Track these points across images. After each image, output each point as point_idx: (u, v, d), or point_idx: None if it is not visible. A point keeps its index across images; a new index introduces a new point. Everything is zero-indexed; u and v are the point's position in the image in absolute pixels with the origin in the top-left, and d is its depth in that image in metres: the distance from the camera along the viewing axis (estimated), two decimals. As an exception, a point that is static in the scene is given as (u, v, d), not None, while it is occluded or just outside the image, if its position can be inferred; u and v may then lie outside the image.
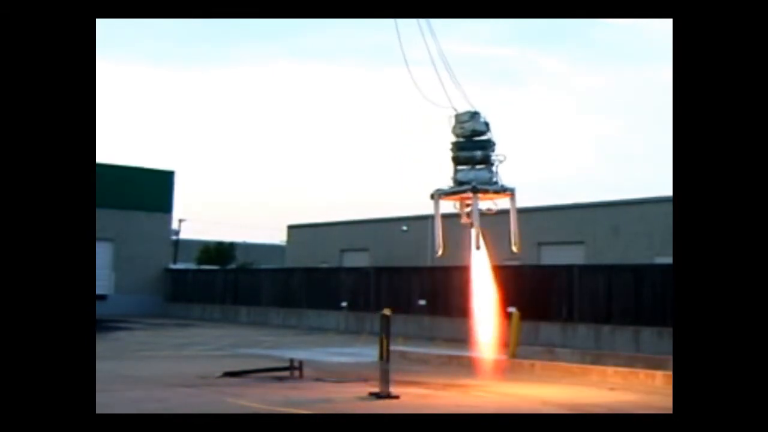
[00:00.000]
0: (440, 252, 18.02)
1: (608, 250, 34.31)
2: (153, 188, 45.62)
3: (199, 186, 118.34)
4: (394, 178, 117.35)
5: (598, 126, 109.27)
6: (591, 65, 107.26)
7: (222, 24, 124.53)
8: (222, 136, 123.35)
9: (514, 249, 17.81)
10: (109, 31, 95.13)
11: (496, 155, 17.70)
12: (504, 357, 19.17)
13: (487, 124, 17.79)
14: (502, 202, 18.10)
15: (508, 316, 19.91)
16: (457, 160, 17.73)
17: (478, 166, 17.57)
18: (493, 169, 17.66)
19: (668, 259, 22.75)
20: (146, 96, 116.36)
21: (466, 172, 17.53)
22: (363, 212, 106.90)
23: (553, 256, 35.68)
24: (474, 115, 17.66)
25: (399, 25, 16.31)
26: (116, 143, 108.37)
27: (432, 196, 17.91)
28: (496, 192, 17.62)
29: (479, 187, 17.26)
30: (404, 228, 43.39)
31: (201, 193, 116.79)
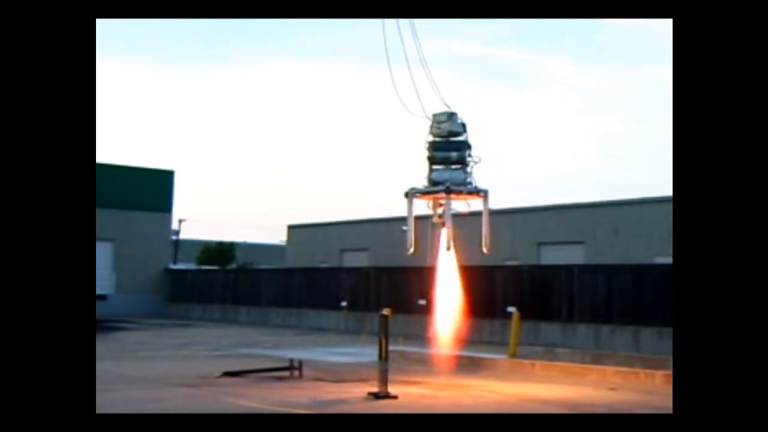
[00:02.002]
0: (411, 250, 18.23)
1: (608, 250, 34.26)
2: (153, 188, 45.62)
3: (199, 186, 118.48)
4: (394, 179, 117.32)
5: (598, 126, 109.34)
6: (592, 65, 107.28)
7: (222, 24, 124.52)
8: (222, 136, 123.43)
9: (485, 250, 17.85)
10: (109, 31, 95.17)
11: (472, 157, 17.73)
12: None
13: (464, 125, 17.81)
14: (475, 204, 18.16)
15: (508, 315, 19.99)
16: (432, 160, 17.78)
17: (453, 167, 17.60)
18: (468, 170, 17.69)
19: (668, 259, 22.75)
20: (146, 96, 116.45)
21: (441, 172, 17.57)
22: (363, 212, 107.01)
23: (553, 256, 35.63)
24: (451, 115, 17.67)
25: (387, 25, 16.24)
26: (116, 143, 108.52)
27: (406, 195, 18.00)
28: (470, 193, 17.65)
29: (453, 187, 17.29)
30: (404, 228, 43.30)
31: (201, 193, 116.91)
